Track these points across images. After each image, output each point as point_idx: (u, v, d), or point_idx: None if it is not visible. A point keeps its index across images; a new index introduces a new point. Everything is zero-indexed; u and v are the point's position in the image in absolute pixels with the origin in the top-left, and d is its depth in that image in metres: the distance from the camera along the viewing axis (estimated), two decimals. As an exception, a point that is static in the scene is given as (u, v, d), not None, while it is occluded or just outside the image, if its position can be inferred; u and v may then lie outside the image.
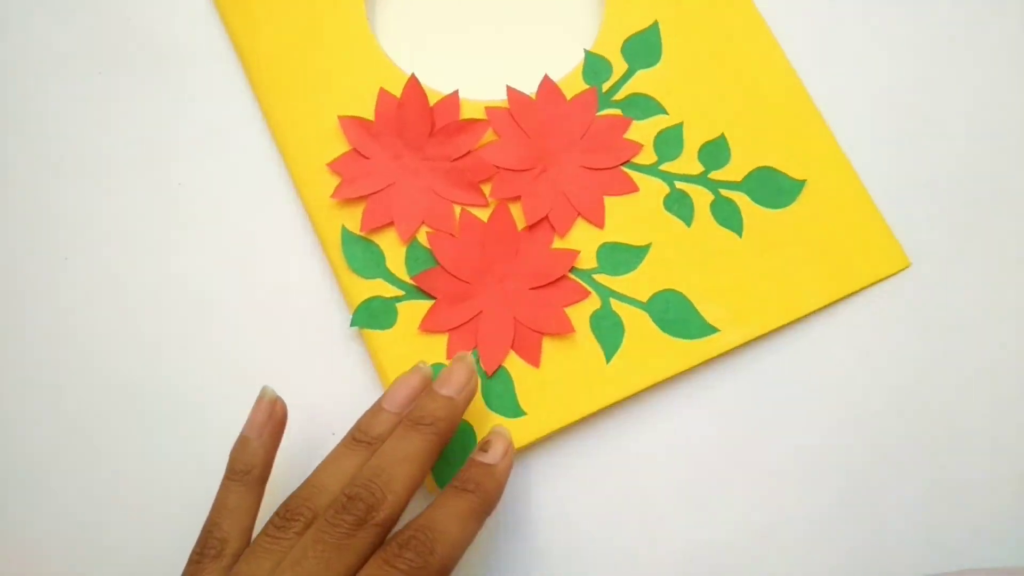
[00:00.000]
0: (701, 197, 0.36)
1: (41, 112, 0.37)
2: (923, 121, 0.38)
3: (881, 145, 0.37)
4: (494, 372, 0.33)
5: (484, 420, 0.33)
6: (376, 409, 0.31)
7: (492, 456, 0.30)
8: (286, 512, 0.28)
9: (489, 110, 0.36)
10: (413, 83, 0.36)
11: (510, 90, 0.36)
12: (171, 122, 0.38)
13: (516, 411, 0.33)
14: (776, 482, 0.34)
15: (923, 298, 0.36)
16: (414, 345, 0.34)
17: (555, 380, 0.33)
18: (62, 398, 0.34)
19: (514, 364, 0.34)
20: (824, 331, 0.35)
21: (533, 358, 0.34)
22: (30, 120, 0.37)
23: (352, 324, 0.34)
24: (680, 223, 0.35)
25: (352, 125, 0.36)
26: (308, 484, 0.29)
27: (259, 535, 0.28)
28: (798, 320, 0.35)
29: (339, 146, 0.36)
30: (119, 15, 0.39)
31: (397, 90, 0.36)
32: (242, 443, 0.30)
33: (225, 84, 0.38)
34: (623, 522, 0.33)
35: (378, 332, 0.34)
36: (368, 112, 0.36)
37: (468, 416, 0.33)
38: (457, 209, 0.35)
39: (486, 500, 0.28)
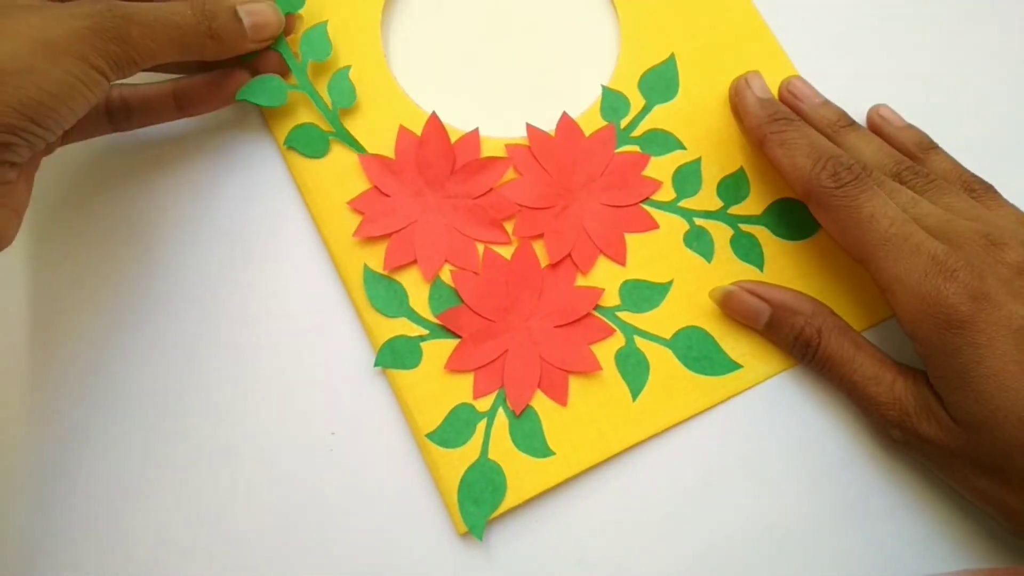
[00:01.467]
0: (721, 233, 0.36)
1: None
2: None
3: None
4: (522, 412, 0.34)
5: (513, 461, 0.33)
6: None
7: (253, 30, 0.34)
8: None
9: (509, 147, 0.36)
10: (434, 121, 0.36)
11: (530, 128, 0.37)
12: (194, 161, 0.37)
13: (545, 451, 0.33)
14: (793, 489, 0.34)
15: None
16: (440, 384, 0.34)
17: (583, 419, 0.34)
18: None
19: (541, 403, 0.34)
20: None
21: (560, 397, 0.34)
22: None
23: (376, 364, 0.34)
24: (700, 259, 0.36)
25: (373, 163, 0.36)
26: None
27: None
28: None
29: (360, 184, 0.36)
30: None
31: (417, 128, 0.36)
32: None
33: (244, 122, 0.38)
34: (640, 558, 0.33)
35: (403, 372, 0.34)
36: (388, 150, 0.36)
37: (498, 458, 0.33)
38: (480, 247, 0.35)
39: (211, 38, 0.33)
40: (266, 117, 0.37)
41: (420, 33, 0.40)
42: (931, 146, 0.36)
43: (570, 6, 0.40)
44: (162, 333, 0.35)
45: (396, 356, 0.34)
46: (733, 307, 0.34)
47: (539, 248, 0.35)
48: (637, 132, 0.37)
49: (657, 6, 0.39)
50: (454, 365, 0.34)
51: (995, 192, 0.34)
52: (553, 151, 0.36)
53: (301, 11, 0.37)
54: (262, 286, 0.36)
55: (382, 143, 0.36)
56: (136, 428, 0.34)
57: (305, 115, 0.37)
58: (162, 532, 0.33)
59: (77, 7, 0.29)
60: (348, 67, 0.37)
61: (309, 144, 0.36)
